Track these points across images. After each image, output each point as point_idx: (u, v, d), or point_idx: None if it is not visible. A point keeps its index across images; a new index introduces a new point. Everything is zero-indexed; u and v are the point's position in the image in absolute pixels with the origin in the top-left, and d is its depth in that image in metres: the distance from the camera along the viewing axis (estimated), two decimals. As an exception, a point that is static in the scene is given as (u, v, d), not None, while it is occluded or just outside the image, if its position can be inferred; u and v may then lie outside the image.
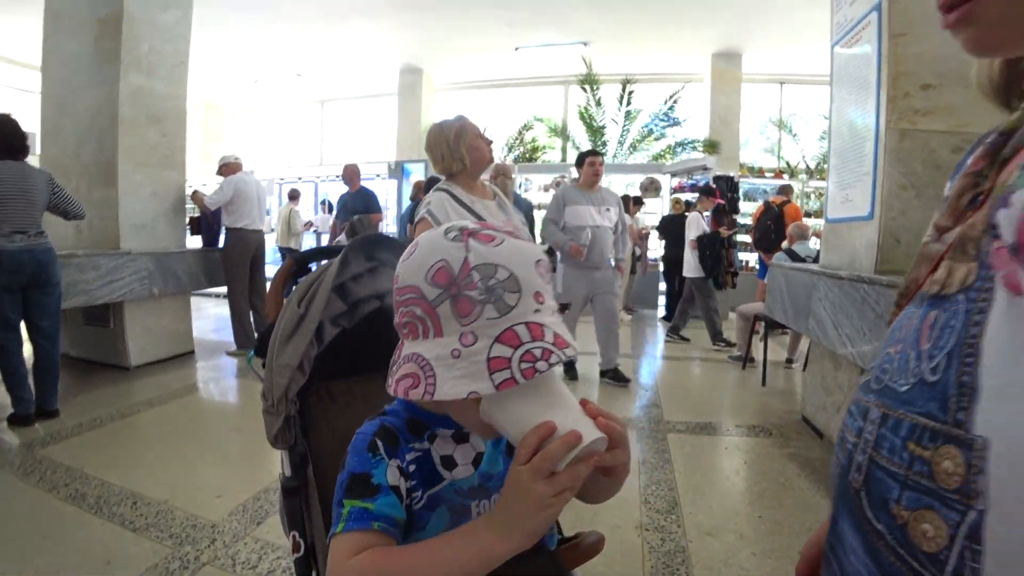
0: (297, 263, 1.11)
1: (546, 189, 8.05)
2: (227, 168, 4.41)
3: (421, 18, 7.59)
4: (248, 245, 4.38)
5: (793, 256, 4.05)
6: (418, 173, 8.50)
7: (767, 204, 5.93)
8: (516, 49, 8.65)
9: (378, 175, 8.78)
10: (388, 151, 10.01)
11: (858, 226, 2.53)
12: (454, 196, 1.96)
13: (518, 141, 9.58)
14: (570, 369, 3.83)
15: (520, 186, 8.09)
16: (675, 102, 8.52)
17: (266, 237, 4.73)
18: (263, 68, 9.70)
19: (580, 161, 3.68)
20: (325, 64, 9.48)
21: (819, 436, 2.81)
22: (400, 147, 9.81)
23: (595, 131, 8.64)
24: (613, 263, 3.75)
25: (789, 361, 4.39)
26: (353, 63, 9.42)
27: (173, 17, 4.20)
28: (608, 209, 3.63)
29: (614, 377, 3.68)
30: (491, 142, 2.08)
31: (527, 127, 9.65)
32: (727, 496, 2.24)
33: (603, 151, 8.13)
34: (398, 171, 8.99)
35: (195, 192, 4.62)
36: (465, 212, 1.93)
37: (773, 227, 5.51)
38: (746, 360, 4.32)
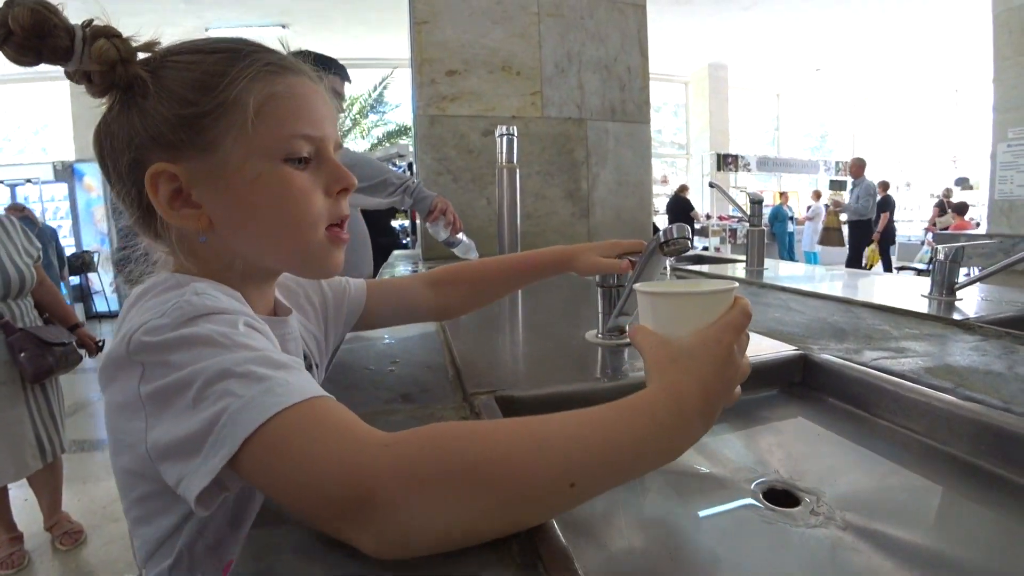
0: None
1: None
2: None
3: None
4: None
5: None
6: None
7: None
8: (207, 30, 7.78)
9: (29, 180, 6.94)
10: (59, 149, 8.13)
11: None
12: None
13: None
14: None
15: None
16: (385, 87, 8.38)
17: None
18: None
19: None
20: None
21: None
22: (80, 144, 8.01)
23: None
24: None
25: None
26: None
27: None
28: None
29: None
30: None
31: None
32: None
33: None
34: (68, 173, 7.35)
35: None
36: None
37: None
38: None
